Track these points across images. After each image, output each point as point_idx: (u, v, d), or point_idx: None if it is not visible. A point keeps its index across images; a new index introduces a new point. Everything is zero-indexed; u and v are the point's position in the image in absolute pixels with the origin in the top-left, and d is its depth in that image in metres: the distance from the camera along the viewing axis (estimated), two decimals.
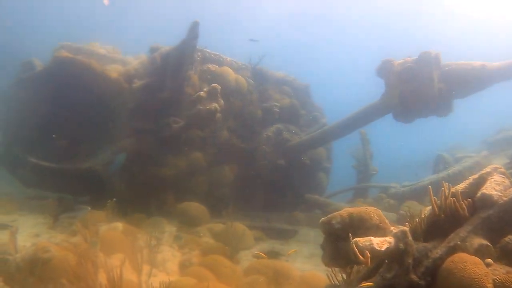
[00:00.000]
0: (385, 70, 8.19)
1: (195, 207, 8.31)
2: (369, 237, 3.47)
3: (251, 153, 10.68)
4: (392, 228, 3.98)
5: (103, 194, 10.03)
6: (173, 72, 8.77)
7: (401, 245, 3.28)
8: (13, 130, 10.09)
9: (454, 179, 9.84)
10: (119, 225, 7.03)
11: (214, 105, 7.74)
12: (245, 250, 7.45)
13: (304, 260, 7.47)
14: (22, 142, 10.06)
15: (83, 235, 6.26)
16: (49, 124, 10.20)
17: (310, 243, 8.41)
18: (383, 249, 3.29)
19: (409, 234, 3.33)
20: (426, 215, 3.73)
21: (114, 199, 7.70)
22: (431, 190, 3.65)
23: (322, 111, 13.08)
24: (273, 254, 7.54)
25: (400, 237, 3.32)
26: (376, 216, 3.98)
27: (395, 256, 3.29)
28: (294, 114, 11.42)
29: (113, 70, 9.37)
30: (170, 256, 6.33)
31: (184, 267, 5.93)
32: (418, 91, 7.87)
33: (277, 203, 11.04)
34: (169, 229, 7.81)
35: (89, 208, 7.62)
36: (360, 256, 3.18)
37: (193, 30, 8.39)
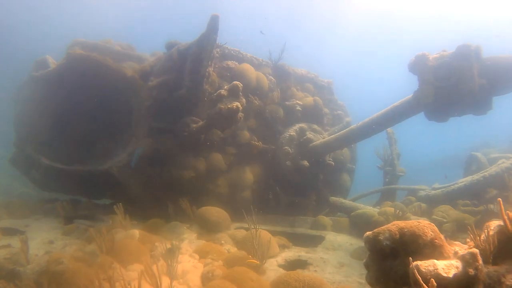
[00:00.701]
0: (419, 65, 7.62)
1: (215, 212, 7.87)
2: (431, 260, 2.97)
3: (273, 154, 10.21)
4: (449, 246, 3.47)
5: (120, 197, 9.76)
6: (192, 68, 8.35)
7: (471, 271, 2.78)
8: (26, 130, 9.79)
9: (492, 182, 9.24)
10: (136, 232, 6.63)
11: (236, 103, 7.29)
12: (270, 259, 6.99)
13: (333, 270, 6.97)
14: (35, 143, 9.77)
15: (98, 244, 5.89)
16: (63, 124, 9.91)
17: (338, 250, 7.91)
18: (450, 275, 2.79)
19: (479, 257, 2.82)
20: (494, 231, 3.21)
21: (121, 204, 7.30)
22: (501, 202, 3.13)
23: (346, 109, 12.55)
24: (300, 264, 7.08)
25: (470, 260, 2.80)
26: (430, 232, 3.47)
27: (464, 283, 2.78)
28: (317, 113, 10.89)
29: (129, 67, 8.99)
30: (191, 267, 5.90)
31: (207, 279, 5.47)
32: (455, 87, 7.29)
33: (300, 206, 10.55)
34: (189, 235, 7.39)
35: (110, 221, 7.25)
36: (424, 284, 2.68)
37: (213, 24, 7.96)
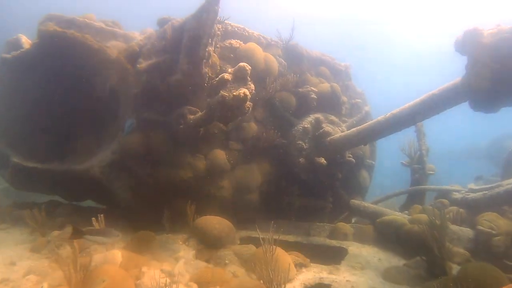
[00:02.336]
0: (469, 43, 6.21)
1: (217, 223, 6.55)
2: None
3: (284, 149, 8.85)
4: None
5: (105, 201, 8.45)
6: (188, 48, 6.95)
7: None
8: None
9: None
10: (118, 254, 5.31)
11: (243, 90, 5.91)
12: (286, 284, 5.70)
13: None
14: (6, 136, 8.43)
15: (66, 276, 4.56)
16: (39, 115, 8.55)
17: (366, 269, 6.60)
18: None
19: None
20: None
21: (104, 214, 5.97)
22: None
23: (365, 97, 11.16)
24: None
25: None
26: None
27: None
28: (335, 101, 9.50)
29: (114, 48, 7.59)
30: None
31: None
32: None
33: (315, 210, 9.24)
34: (185, 253, 6.08)
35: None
36: None
37: None
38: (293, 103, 9.10)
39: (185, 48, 6.99)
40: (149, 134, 7.52)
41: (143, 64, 7.31)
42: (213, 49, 7.49)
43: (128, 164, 7.44)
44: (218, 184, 7.98)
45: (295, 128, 8.85)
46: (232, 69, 6.24)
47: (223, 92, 5.97)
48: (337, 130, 9.13)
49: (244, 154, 8.41)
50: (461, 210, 8.26)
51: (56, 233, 6.44)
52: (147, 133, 7.53)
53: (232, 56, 8.22)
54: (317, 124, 8.97)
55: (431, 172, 10.24)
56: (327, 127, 8.81)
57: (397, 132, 7.91)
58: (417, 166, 10.05)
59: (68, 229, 6.68)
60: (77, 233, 5.45)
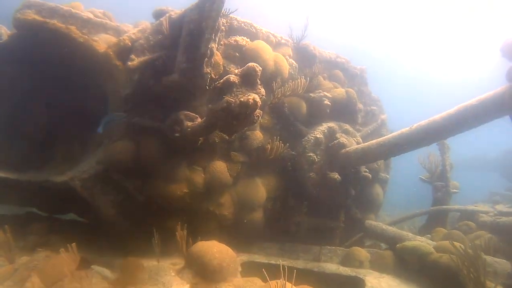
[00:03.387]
0: None
1: (217, 252, 5.58)
2: None
3: (293, 162, 7.92)
4: None
5: (89, 216, 7.50)
6: (188, 44, 6.01)
7: None
8: None
9: None
10: None
11: (253, 96, 4.97)
12: None
13: None
14: None
15: None
16: (14, 117, 7.59)
17: None
18: None
19: None
20: None
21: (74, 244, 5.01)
22: None
23: (381, 104, 10.24)
24: None
25: None
26: None
27: None
28: (350, 109, 8.58)
29: (102, 41, 6.63)
30: None
31: None
32: None
33: (326, 231, 8.30)
34: None
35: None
36: None
37: None
38: (303, 109, 8.17)
39: (184, 44, 6.05)
40: (140, 143, 6.57)
41: (135, 61, 6.35)
42: (216, 46, 6.54)
43: (114, 177, 6.48)
44: (218, 200, 7.04)
45: (306, 138, 7.92)
46: (239, 69, 5.30)
47: (228, 97, 5.02)
48: (352, 141, 8.22)
49: (247, 166, 7.49)
50: (492, 237, 7.35)
51: (25, 259, 5.48)
52: (137, 141, 6.57)
53: (237, 55, 7.27)
54: (331, 134, 8.06)
55: (455, 190, 9.34)
56: (342, 138, 7.89)
57: (423, 147, 7.00)
58: (439, 183, 9.14)
59: (41, 254, 5.75)
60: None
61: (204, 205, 6.93)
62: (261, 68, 5.30)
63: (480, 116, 6.17)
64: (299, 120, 8.12)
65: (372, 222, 7.92)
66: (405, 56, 57.96)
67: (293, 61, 8.27)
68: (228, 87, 5.15)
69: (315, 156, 7.78)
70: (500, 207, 8.34)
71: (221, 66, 6.98)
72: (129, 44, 6.49)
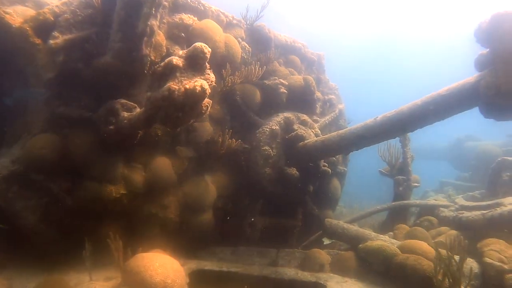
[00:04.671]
0: (498, 31, 4.91)
1: (160, 266, 4.79)
2: None
3: (247, 156, 7.25)
4: None
5: (6, 224, 6.44)
6: (123, 20, 5.10)
7: None
8: None
9: None
10: None
11: (200, 83, 4.20)
12: None
13: None
14: None
15: None
16: None
17: None
18: None
19: None
20: None
21: None
22: None
23: (339, 93, 9.75)
24: None
25: None
26: None
27: None
28: (308, 97, 8.00)
29: (18, 14, 5.58)
30: None
31: None
32: None
33: (282, 231, 7.73)
34: None
35: None
36: None
37: None
38: (258, 98, 7.49)
39: (118, 19, 5.14)
40: (68, 136, 5.63)
41: (59, 39, 5.37)
42: (157, 23, 5.67)
43: (35, 178, 5.50)
44: (161, 202, 6.23)
45: (261, 129, 7.25)
46: (184, 51, 4.51)
47: (171, 84, 4.23)
48: (310, 133, 7.65)
49: (195, 162, 6.73)
50: (458, 234, 7.06)
51: None
52: (64, 135, 5.62)
53: (183, 35, 6.45)
54: (287, 125, 7.44)
55: (416, 184, 9.05)
56: (300, 130, 7.30)
57: (390, 139, 6.56)
58: (401, 177, 8.80)
59: None
60: None
61: (145, 207, 6.11)
62: (210, 50, 4.53)
63: (449, 108, 5.76)
64: (253, 110, 7.44)
65: (332, 221, 7.42)
66: (369, 41, 56.99)
67: (246, 45, 7.55)
68: (171, 71, 4.35)
69: (270, 150, 7.14)
70: (460, 201, 8.15)
71: (164, 47, 6.13)
72: (51, 18, 5.48)
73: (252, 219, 7.28)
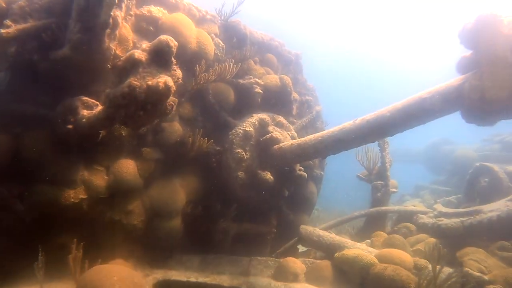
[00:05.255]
0: (483, 32, 4.68)
1: (119, 279, 4.36)
2: None
3: (219, 159, 6.89)
4: None
5: None
6: (82, 9, 4.67)
7: None
8: None
9: None
10: None
11: (164, 79, 3.82)
12: None
13: None
14: None
15: None
16: None
17: None
18: None
19: None
20: None
21: None
22: None
23: (316, 94, 9.48)
24: None
25: None
26: None
27: None
28: (284, 98, 7.70)
29: None
30: None
31: None
32: None
33: (256, 238, 7.39)
34: None
35: None
36: None
37: None
38: (231, 98, 7.14)
39: (77, 8, 4.71)
40: (20, 136, 5.15)
41: (11, 28, 4.88)
42: (123, 15, 5.27)
43: None
44: (125, 207, 5.80)
45: (234, 131, 6.90)
46: (148, 44, 4.13)
47: (132, 80, 3.84)
48: (286, 135, 7.34)
49: (163, 165, 6.32)
50: (437, 242, 6.85)
51: None
52: (16, 134, 5.14)
53: (151, 29, 6.03)
54: (262, 127, 7.11)
55: (394, 189, 8.84)
56: (275, 132, 6.98)
57: (369, 143, 6.29)
58: (379, 182, 8.58)
59: None
60: None
61: (108, 214, 5.67)
62: (176, 43, 4.16)
63: (432, 111, 5.53)
64: (226, 110, 7.08)
65: (307, 228, 7.13)
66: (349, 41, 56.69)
67: (220, 41, 7.19)
68: (132, 66, 3.95)
69: (244, 153, 6.79)
70: (439, 207, 7.98)
71: (131, 41, 5.71)
72: (4, 5, 4.99)
73: (224, 226, 6.90)
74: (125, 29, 5.62)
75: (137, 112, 3.96)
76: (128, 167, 5.78)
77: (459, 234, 6.82)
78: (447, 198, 11.82)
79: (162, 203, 6.18)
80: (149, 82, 3.82)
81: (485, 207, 7.00)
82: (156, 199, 6.13)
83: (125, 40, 5.61)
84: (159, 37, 4.07)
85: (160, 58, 4.07)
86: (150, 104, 3.89)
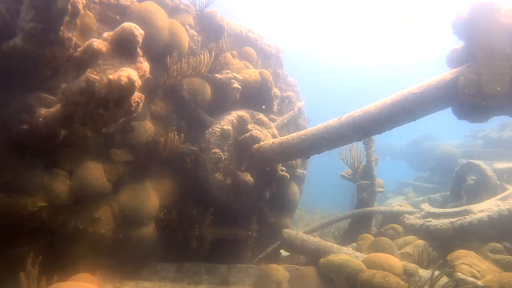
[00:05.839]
0: (479, 23, 4.34)
1: None
2: None
3: (194, 159, 6.42)
4: None
5: None
6: None
7: None
8: None
9: None
10: None
11: (128, 73, 3.35)
12: None
13: None
14: None
15: None
16: None
17: None
18: None
19: None
20: None
21: None
22: None
23: (298, 90, 9.07)
24: None
25: None
26: None
27: None
28: (264, 94, 7.25)
29: None
30: None
31: None
32: None
33: (235, 244, 6.96)
34: None
35: None
36: None
37: None
38: (208, 94, 6.67)
39: None
40: None
41: None
42: (84, 1, 4.76)
43: None
44: (91, 215, 5.28)
45: (211, 130, 6.44)
46: (110, 33, 3.64)
47: (90, 74, 3.36)
48: (267, 133, 6.92)
49: (134, 167, 5.83)
50: (425, 244, 6.55)
51: None
52: None
53: (118, 18, 5.52)
54: (241, 125, 6.67)
55: (380, 189, 8.52)
56: (255, 131, 6.54)
57: (356, 141, 5.93)
58: (365, 182, 8.23)
59: None
60: None
61: (71, 222, 5.14)
62: (142, 32, 3.67)
63: (422, 107, 5.18)
64: (203, 107, 6.61)
65: (290, 232, 6.73)
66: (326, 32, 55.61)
67: (195, 33, 6.72)
68: (91, 57, 3.46)
69: (221, 153, 6.34)
70: (426, 206, 7.69)
71: (95, 32, 5.19)
72: None
73: (201, 231, 6.44)
74: (89, 18, 5.09)
75: (97, 110, 3.47)
76: (94, 170, 5.26)
77: (449, 236, 6.53)
78: (432, 195, 11.61)
79: (133, 208, 5.67)
80: (110, 76, 3.33)
81: (475, 207, 6.72)
82: (126, 205, 5.63)
83: (89, 31, 5.09)
84: (122, 25, 3.58)
85: (123, 48, 3.58)
86: (112, 102, 3.41)
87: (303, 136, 6.03)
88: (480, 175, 8.07)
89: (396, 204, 12.53)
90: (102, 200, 5.43)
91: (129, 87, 3.36)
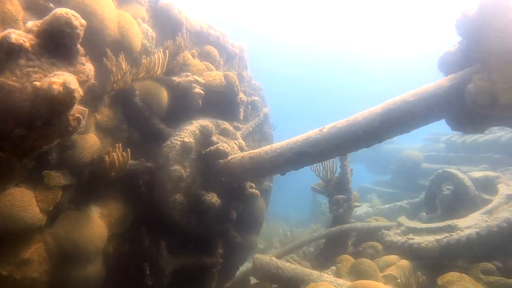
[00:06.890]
0: (489, 21, 3.69)
1: None
2: None
3: (149, 179, 5.42)
4: None
5: None
6: None
7: None
8: None
9: None
10: None
11: (63, 79, 2.37)
12: None
13: None
14: None
15: None
16: None
17: None
18: None
19: None
20: None
21: None
22: None
23: (263, 94, 8.25)
24: None
25: None
26: None
27: None
28: (230, 99, 6.35)
29: None
30: None
31: None
32: None
33: (198, 274, 6.01)
34: None
35: None
36: None
37: None
38: (165, 100, 5.67)
39: None
40: None
41: None
42: None
43: None
44: (18, 256, 4.15)
45: (169, 143, 5.46)
46: (37, 22, 2.63)
47: (7, 80, 2.34)
48: (233, 145, 6.03)
49: (75, 191, 4.75)
50: (410, 266, 5.91)
51: None
52: None
53: (51, 6, 4.43)
54: (205, 136, 5.73)
55: (357, 203, 7.86)
56: (222, 144, 5.63)
57: (341, 155, 5.18)
58: (341, 197, 7.51)
59: None
60: None
61: None
62: (84, 22, 2.69)
63: (418, 117, 4.52)
64: (159, 116, 5.61)
65: (263, 258, 5.88)
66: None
67: (149, 28, 5.69)
68: (8, 56, 2.43)
69: (182, 170, 5.37)
70: (404, 220, 7.12)
71: (21, 22, 4.08)
72: None
73: (158, 263, 5.44)
74: (12, 5, 3.97)
75: (19, 131, 2.45)
76: (20, 198, 4.13)
77: (434, 255, 5.95)
78: (398, 203, 11.18)
79: (74, 242, 4.58)
80: (37, 83, 2.33)
81: (460, 223, 6.17)
82: (65, 239, 4.53)
83: (12, 21, 3.96)
84: (54, 11, 2.58)
85: (56, 44, 2.57)
86: (40, 119, 2.40)
87: (278, 150, 5.20)
88: (457, 185, 7.62)
89: (363, 212, 12.05)
90: (34, 236, 4.31)
91: (65, 99, 2.37)
